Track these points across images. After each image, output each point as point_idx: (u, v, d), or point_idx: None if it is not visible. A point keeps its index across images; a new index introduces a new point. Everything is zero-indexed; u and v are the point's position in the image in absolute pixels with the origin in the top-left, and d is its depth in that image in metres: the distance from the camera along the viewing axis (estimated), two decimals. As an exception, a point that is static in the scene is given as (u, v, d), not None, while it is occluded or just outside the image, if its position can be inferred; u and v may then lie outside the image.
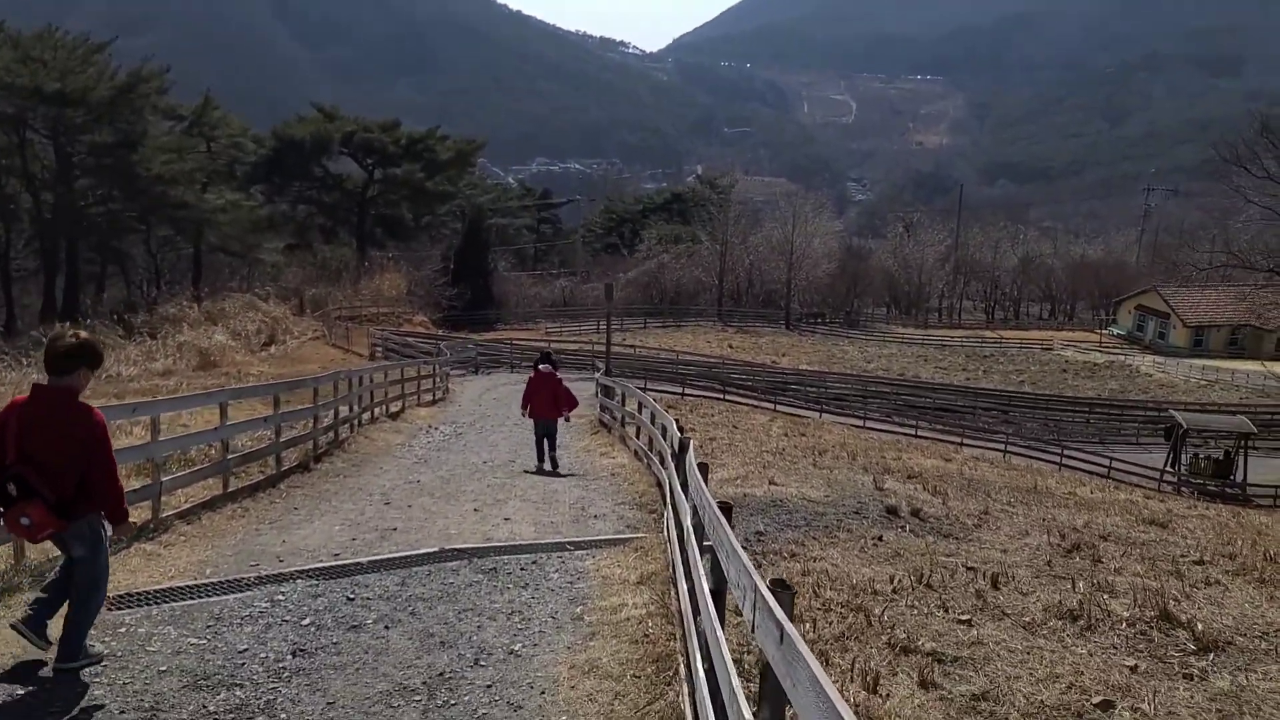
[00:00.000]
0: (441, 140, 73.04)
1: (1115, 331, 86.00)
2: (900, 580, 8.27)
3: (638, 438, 14.36)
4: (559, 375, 14.70)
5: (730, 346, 64.54)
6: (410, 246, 72.88)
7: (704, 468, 6.60)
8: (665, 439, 11.31)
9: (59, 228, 54.28)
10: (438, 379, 26.67)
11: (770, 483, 12.56)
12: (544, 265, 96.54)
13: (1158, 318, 79.30)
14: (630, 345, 49.07)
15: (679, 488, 7.11)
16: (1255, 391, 52.57)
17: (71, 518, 5.04)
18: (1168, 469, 32.95)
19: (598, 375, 25.33)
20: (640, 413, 14.12)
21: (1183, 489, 31.92)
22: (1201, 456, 33.57)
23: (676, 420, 10.76)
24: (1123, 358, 67.01)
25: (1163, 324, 78.41)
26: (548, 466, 13.77)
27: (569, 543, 8.81)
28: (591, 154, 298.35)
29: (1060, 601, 7.92)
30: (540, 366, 14.66)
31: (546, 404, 14.11)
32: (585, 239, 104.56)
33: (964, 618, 7.22)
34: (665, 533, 8.89)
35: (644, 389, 33.69)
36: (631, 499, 11.02)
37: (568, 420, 15.18)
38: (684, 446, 7.01)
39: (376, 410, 18.58)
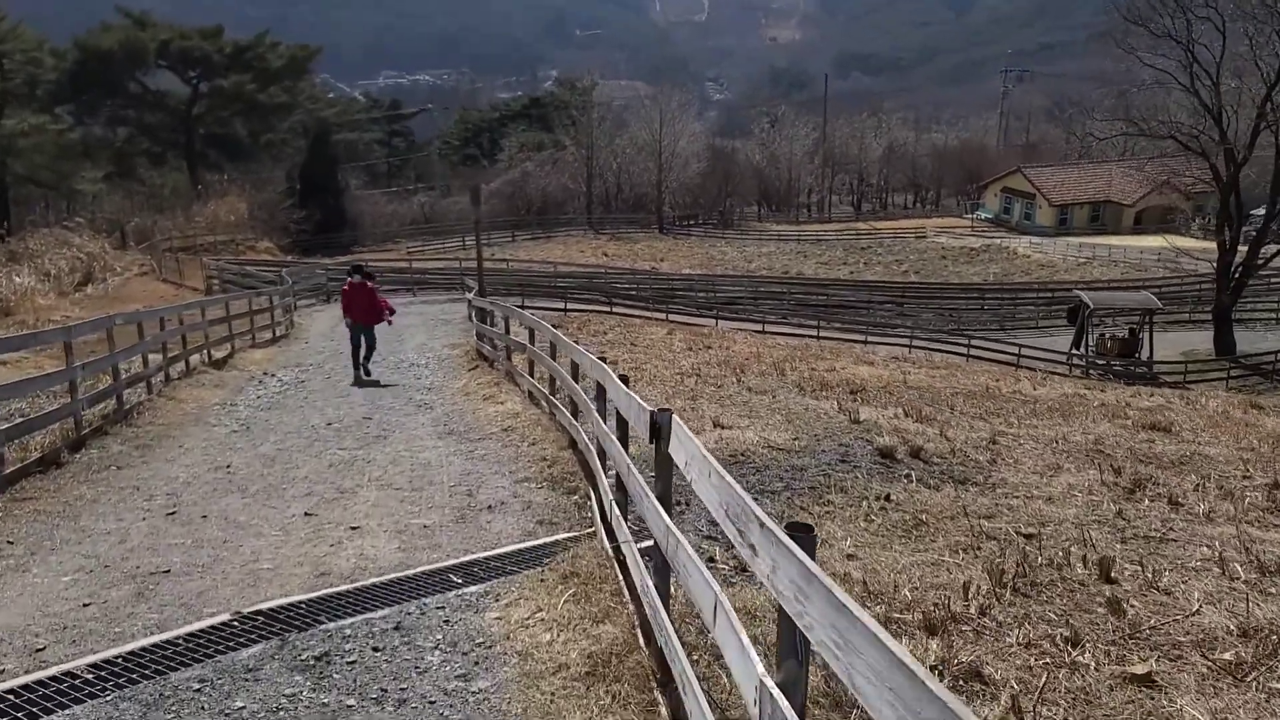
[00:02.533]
0: (273, 47, 66.33)
1: (983, 215, 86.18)
2: (972, 582, 5.35)
3: (531, 374, 11.07)
4: (371, 286, 15.00)
5: (605, 255, 61.32)
6: (250, 168, 66.48)
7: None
8: (579, 381, 8.09)
9: None
10: (278, 312, 22.60)
11: (715, 424, 9.49)
12: (400, 181, 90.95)
13: (1023, 199, 79.54)
14: (501, 260, 45.20)
15: (646, 495, 3.95)
16: (1132, 266, 52.37)
17: None
18: (1075, 351, 31.54)
19: (469, 296, 21.77)
20: (533, 342, 10.81)
21: (1090, 370, 30.61)
22: (1107, 336, 32.28)
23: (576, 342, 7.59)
24: (998, 241, 66.50)
25: (1028, 205, 78.68)
26: (362, 373, 14.17)
27: (454, 567, 5.57)
28: (441, 65, 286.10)
29: (1239, 608, 5.12)
30: (351, 278, 15.06)
31: (363, 311, 14.45)
32: (442, 151, 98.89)
33: (1135, 669, 4.32)
34: (599, 536, 5.73)
35: (522, 307, 30.29)
36: (537, 471, 7.78)
37: (390, 324, 15.52)
38: (659, 428, 3.78)
39: (193, 358, 14.70)
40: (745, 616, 4.27)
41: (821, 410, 10.99)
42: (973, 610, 4.95)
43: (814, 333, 32.27)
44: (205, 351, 15.56)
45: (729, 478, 2.71)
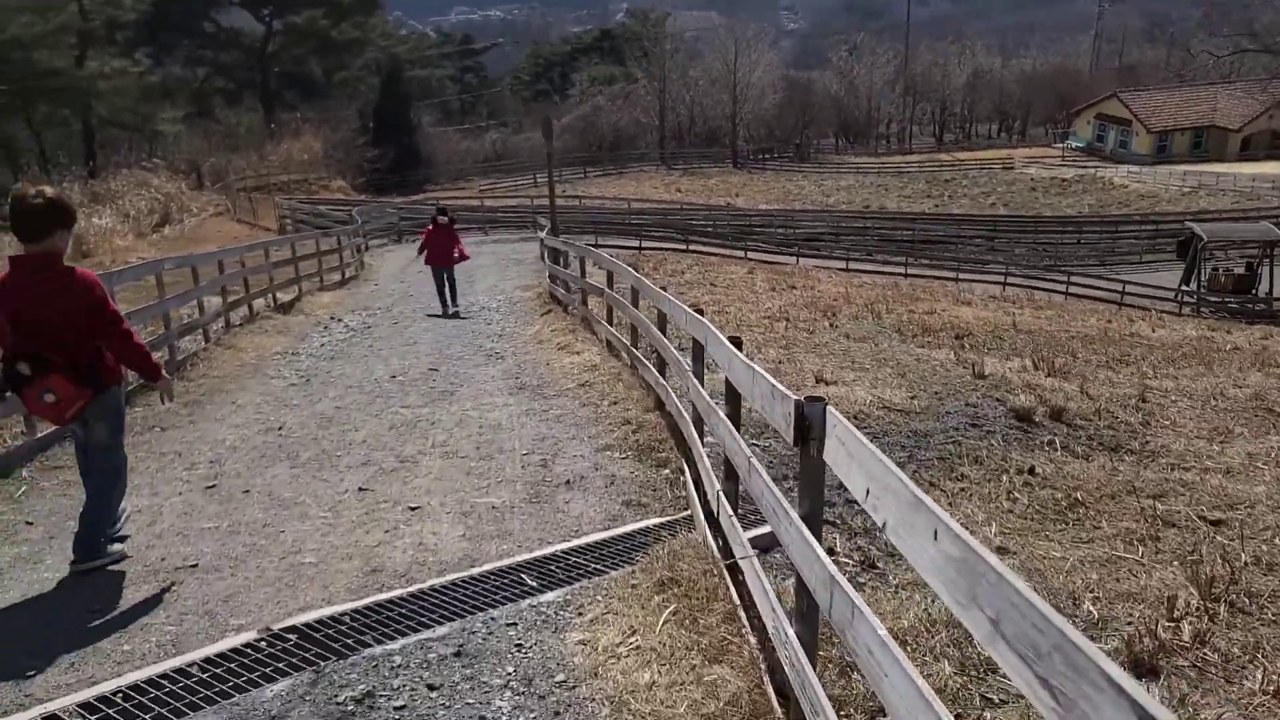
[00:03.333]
0: (345, -21, 65.39)
1: (1074, 144, 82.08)
2: (1172, 593, 4.26)
3: (609, 322, 10.09)
4: (455, 229, 16.05)
5: (679, 190, 59.87)
6: (324, 107, 66.12)
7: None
8: (667, 333, 7.08)
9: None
10: (348, 253, 21.93)
11: (819, 379, 8.43)
12: (472, 118, 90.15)
13: (1118, 126, 75.42)
14: (573, 197, 44.12)
15: (783, 512, 2.95)
16: (1243, 195, 49.17)
17: (102, 384, 4.55)
18: (1184, 287, 29.46)
19: (541, 235, 20.82)
20: (612, 286, 9.81)
21: (1202, 309, 28.55)
22: (1221, 271, 30.07)
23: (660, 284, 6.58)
24: (1092, 171, 63.17)
25: (1124, 132, 74.60)
26: (449, 311, 14.79)
27: (528, 563, 4.66)
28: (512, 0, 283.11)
29: None
30: (437, 219, 15.83)
31: (443, 254, 15.27)
32: (513, 87, 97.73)
33: None
34: (699, 528, 4.76)
35: (595, 246, 29.28)
36: (620, 437, 6.81)
37: (464, 259, 16.10)
38: (808, 426, 2.69)
39: (258, 303, 14.03)
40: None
41: (936, 362, 9.84)
42: (1185, 635, 3.88)
43: (901, 270, 30.71)
44: (270, 295, 14.88)
45: (1019, 583, 1.61)
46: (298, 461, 6.56)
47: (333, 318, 14.50)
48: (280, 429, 7.48)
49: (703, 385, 5.26)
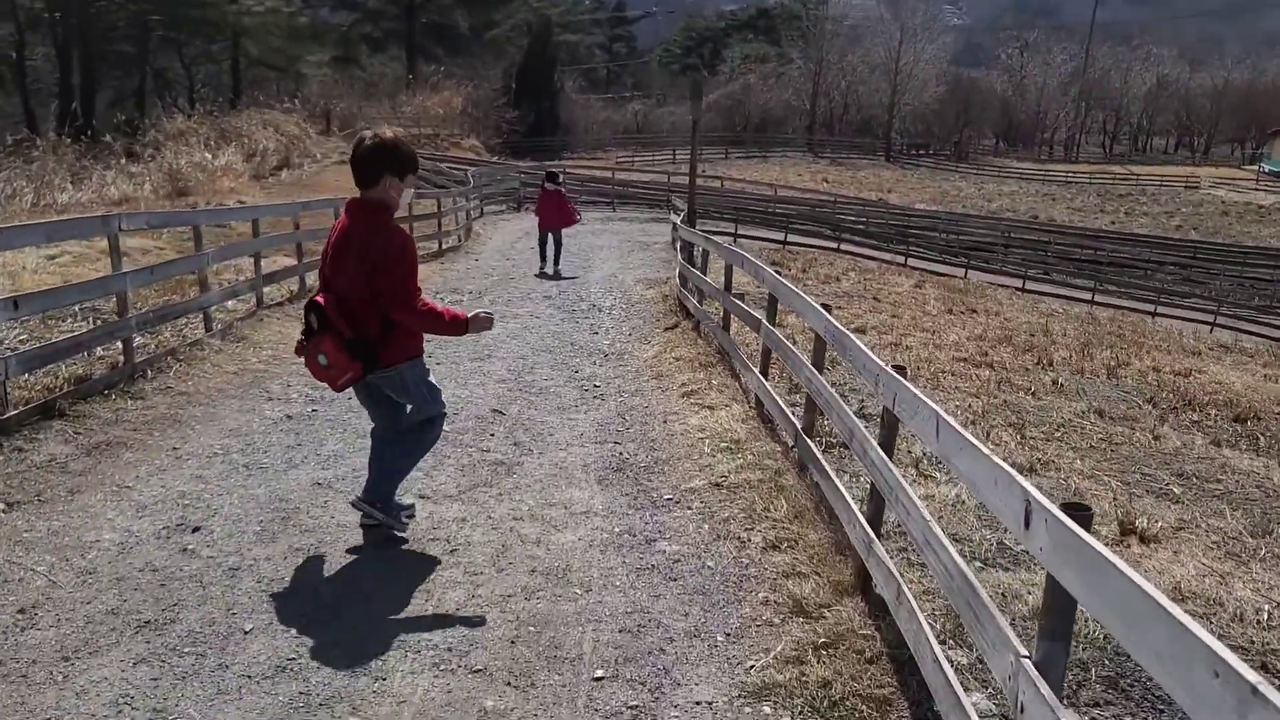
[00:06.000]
0: (499, -69, 63.21)
1: (1268, 167, 74.37)
2: None
3: (763, 371, 6.70)
4: (563, 191, 16.22)
5: (826, 180, 55.77)
6: (469, 64, 64.31)
7: None
8: (892, 456, 3.69)
9: (69, 31, 47.47)
10: (451, 219, 19.07)
11: (1128, 529, 4.93)
12: (616, 88, 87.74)
13: (1323, 151, 67.80)
14: (713, 178, 40.62)
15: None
16: None
17: (374, 364, 4.10)
18: None
19: (676, 220, 17.54)
20: (773, 319, 6.44)
21: None
22: None
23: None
24: (1295, 199, 56.43)
25: (1329, 159, 67.02)
26: (549, 270, 15.32)
27: None
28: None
29: None
30: (546, 185, 16.19)
31: (553, 216, 15.70)
32: (662, 59, 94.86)
33: None
34: None
35: (734, 236, 25.86)
36: (788, 653, 3.46)
37: (581, 222, 17.31)
38: None
39: (312, 276, 11.17)
40: None
41: (1258, 480, 6.13)
42: None
43: (1088, 296, 26.33)
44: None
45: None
46: (154, 646, 3.41)
47: (405, 301, 11.53)
48: (196, 531, 4.38)
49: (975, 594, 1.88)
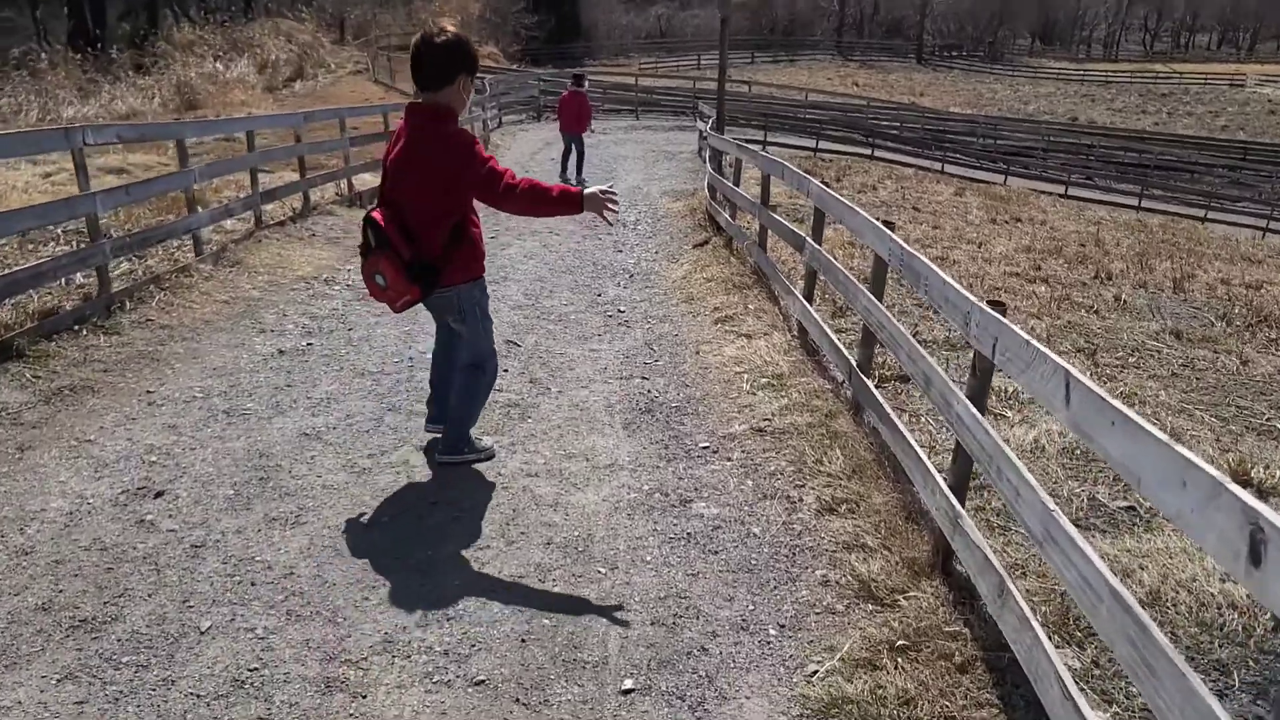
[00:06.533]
0: None
1: (1317, 64, 71.24)
2: None
3: (808, 296, 5.98)
4: (585, 94, 15.92)
5: (856, 84, 53.87)
6: (486, -36, 61.95)
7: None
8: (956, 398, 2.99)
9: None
10: (470, 128, 18.18)
11: (1241, 475, 4.25)
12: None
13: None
14: (740, 83, 39.11)
15: None
16: None
17: (434, 285, 3.79)
18: None
19: (703, 127, 16.60)
20: (819, 237, 5.70)
21: None
22: None
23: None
24: (1347, 96, 54.04)
25: (1387, 54, 63.97)
26: (572, 181, 14.61)
27: None
28: None
29: None
30: (572, 87, 15.87)
31: (572, 119, 15.33)
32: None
33: None
34: None
35: (764, 143, 24.74)
36: (862, 648, 2.87)
37: (591, 132, 16.66)
38: None
39: (317, 192, 10.44)
40: None
41: None
42: None
43: (1134, 201, 25.13)
44: (344, 181, 11.25)
45: None
46: (86, 654, 2.81)
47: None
48: (159, 497, 3.78)
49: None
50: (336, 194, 11.11)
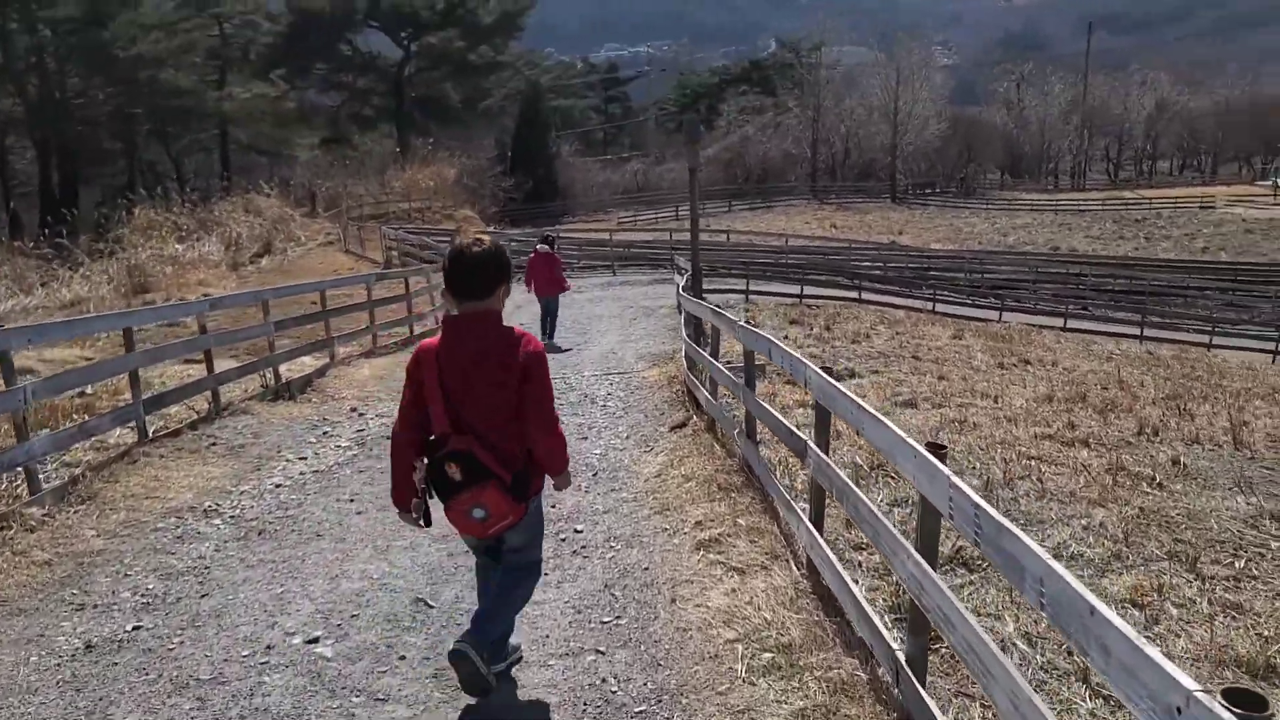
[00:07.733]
0: (484, 1, 62.27)
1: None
2: None
3: (816, 523, 4.47)
4: (556, 255, 15.66)
5: (834, 226, 53.97)
6: (461, 134, 63.33)
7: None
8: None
9: (41, 122, 46.31)
10: (430, 297, 17.02)
11: None
12: (614, 149, 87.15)
13: (1340, 162, 65.68)
14: (719, 231, 38.65)
15: None
16: None
17: (525, 499, 3.55)
18: None
19: (679, 281, 15.49)
20: (825, 445, 4.25)
21: None
22: None
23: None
24: (1319, 213, 54.28)
25: (1348, 169, 64.90)
26: (551, 340, 14.38)
27: None
28: (662, 36, 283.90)
29: None
30: (539, 247, 15.36)
31: (544, 282, 14.86)
32: (658, 118, 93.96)
33: None
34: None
35: (746, 293, 23.73)
36: None
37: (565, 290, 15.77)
38: None
39: (245, 385, 9.04)
40: None
41: None
42: None
43: (1135, 330, 24.01)
44: (269, 371, 9.86)
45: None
46: None
47: (353, 410, 9.35)
48: None
49: None
50: (262, 385, 9.71)
